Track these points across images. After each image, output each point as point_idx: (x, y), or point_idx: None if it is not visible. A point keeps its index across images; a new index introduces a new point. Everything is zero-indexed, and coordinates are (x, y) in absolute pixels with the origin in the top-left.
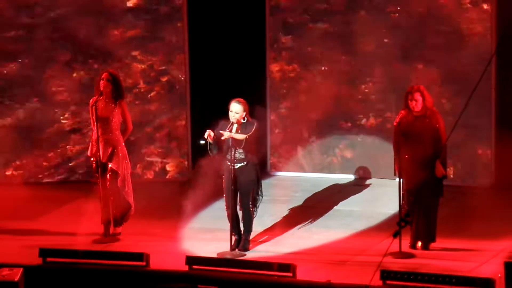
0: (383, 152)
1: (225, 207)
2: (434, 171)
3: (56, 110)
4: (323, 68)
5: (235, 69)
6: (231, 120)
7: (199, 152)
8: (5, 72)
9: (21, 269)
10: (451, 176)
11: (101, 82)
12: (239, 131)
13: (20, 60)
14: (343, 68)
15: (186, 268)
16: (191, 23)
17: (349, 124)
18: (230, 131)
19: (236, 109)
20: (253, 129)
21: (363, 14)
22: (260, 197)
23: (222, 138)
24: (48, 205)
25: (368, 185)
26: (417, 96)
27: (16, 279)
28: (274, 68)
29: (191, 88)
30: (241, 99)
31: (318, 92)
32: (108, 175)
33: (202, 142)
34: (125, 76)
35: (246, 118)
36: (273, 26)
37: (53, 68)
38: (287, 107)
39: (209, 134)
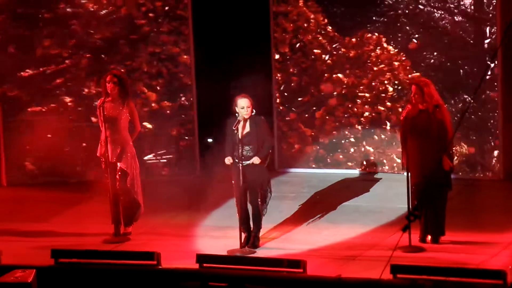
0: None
1: (235, 204)
2: (441, 164)
3: None
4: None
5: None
6: (242, 116)
7: (207, 149)
8: None
9: (34, 271)
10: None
11: (108, 85)
12: (250, 126)
13: None
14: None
15: (196, 266)
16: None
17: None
18: (237, 129)
19: (246, 104)
20: (267, 129)
21: None
22: (269, 194)
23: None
24: (59, 206)
25: (376, 180)
26: (414, 89)
27: (29, 280)
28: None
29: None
30: (244, 94)
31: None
32: (117, 175)
33: (210, 140)
34: None
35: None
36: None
37: None
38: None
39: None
